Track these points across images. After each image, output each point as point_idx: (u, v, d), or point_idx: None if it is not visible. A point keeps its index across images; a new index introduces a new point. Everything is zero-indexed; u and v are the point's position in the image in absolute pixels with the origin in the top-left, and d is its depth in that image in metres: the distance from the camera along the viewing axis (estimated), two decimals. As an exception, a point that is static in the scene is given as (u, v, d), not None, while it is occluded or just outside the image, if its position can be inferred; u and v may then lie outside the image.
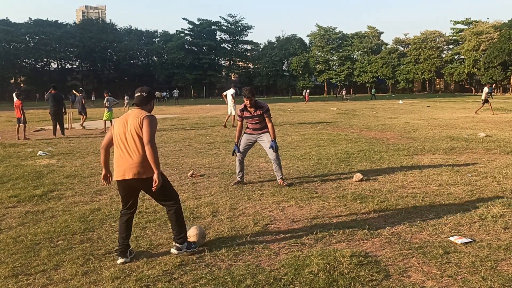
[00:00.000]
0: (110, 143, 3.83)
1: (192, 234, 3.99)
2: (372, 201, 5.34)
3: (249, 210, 5.13)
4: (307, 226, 4.51)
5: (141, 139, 3.61)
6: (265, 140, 6.29)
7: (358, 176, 6.58)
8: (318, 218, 4.77)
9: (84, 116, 17.75)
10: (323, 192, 5.94)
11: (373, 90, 53.21)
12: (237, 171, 6.48)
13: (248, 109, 6.18)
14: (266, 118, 6.19)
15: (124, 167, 3.63)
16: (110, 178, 3.94)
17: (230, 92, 16.34)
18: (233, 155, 6.44)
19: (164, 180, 3.76)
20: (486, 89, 21.81)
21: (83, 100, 17.86)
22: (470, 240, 3.96)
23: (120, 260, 3.67)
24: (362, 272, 3.33)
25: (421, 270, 3.37)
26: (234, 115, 15.54)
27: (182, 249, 3.78)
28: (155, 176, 3.59)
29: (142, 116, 3.64)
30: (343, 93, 51.38)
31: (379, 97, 53.75)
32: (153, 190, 3.65)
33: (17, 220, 4.92)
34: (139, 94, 3.81)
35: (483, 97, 21.41)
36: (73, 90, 19.30)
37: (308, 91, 47.66)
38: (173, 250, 3.80)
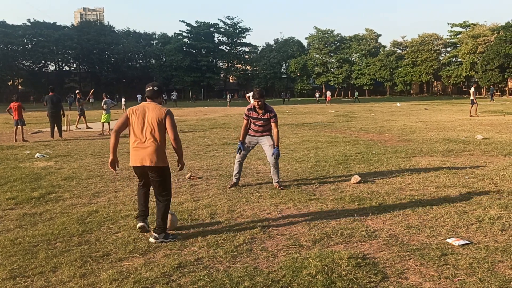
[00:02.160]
0: (122, 128, 4.17)
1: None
2: (370, 203, 5.35)
3: (247, 212, 5.13)
4: (305, 228, 4.51)
5: (160, 130, 4.04)
6: (266, 143, 6.29)
7: (356, 178, 6.59)
8: (316, 220, 4.78)
9: (79, 117, 17.90)
10: (321, 194, 5.95)
11: (356, 93, 53.51)
12: (235, 172, 6.47)
13: (257, 110, 6.16)
14: (273, 124, 6.16)
15: (142, 155, 4.04)
16: (116, 164, 4.27)
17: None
18: (238, 152, 6.38)
19: (169, 176, 4.23)
20: (472, 89, 21.78)
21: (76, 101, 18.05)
22: (468, 242, 3.98)
23: (139, 224, 4.26)
24: (360, 274, 3.34)
25: (419, 272, 3.38)
26: None
27: (159, 238, 4.10)
28: (180, 162, 4.27)
29: (164, 110, 4.06)
30: (317, 96, 50.81)
31: (376, 99, 53.84)
32: (179, 170, 4.33)
33: (15, 222, 4.91)
34: (150, 88, 4.18)
35: (471, 97, 21.42)
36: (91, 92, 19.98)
37: (329, 92, 48.19)
38: (151, 239, 4.11)
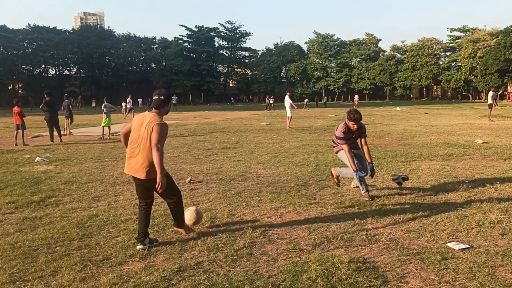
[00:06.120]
0: (129, 132, 4.16)
1: (191, 211, 4.52)
2: (370, 207, 5.35)
3: (247, 216, 5.13)
4: (305, 232, 4.51)
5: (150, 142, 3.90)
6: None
7: (356, 182, 6.58)
8: (316, 224, 4.77)
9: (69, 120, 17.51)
10: (321, 198, 5.95)
11: (324, 98, 51.65)
12: (364, 187, 5.85)
13: (352, 130, 5.75)
14: (363, 140, 5.81)
15: (134, 166, 3.99)
16: None
17: (287, 97, 19.73)
18: (359, 181, 5.76)
19: (169, 180, 4.07)
20: (490, 93, 21.65)
21: (70, 105, 17.63)
22: (468, 246, 3.98)
23: (139, 246, 4.01)
24: (360, 278, 3.33)
25: (419, 276, 3.37)
26: (290, 117, 19.42)
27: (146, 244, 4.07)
28: (158, 178, 3.82)
29: (156, 119, 3.92)
30: (270, 101, 43.49)
31: (376, 104, 53.77)
32: (156, 188, 3.91)
33: (15, 226, 4.91)
34: (157, 97, 4.02)
35: (489, 101, 21.33)
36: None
37: (357, 96, 48.05)
38: (139, 246, 4.02)
